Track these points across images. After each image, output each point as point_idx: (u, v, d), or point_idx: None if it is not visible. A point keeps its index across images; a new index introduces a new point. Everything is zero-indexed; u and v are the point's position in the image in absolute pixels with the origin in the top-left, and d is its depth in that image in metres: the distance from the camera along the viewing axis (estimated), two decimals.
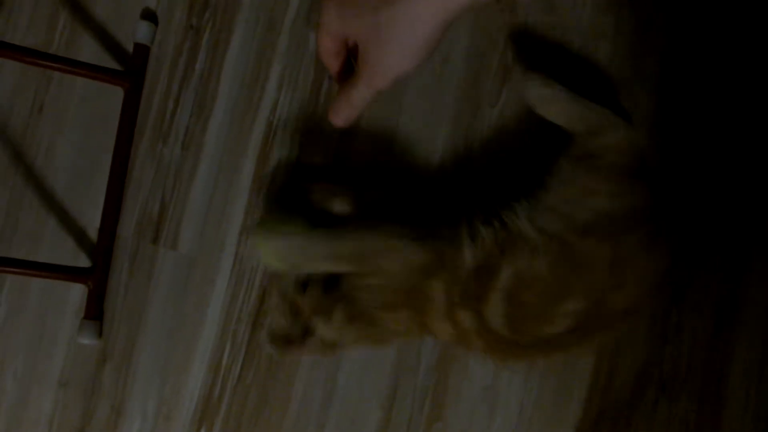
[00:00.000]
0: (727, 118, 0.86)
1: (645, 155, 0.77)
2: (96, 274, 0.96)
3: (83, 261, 0.99)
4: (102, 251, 0.96)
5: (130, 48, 0.99)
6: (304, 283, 0.80)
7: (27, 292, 1.00)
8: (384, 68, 0.63)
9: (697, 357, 0.85)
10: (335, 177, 0.93)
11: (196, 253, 0.96)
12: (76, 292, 0.99)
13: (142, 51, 0.98)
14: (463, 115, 0.91)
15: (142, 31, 0.97)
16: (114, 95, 0.98)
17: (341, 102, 0.70)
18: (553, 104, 0.78)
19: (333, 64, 0.72)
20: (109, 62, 1.01)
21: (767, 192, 0.84)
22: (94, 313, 0.96)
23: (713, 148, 0.86)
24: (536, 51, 0.89)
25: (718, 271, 0.85)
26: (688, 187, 0.86)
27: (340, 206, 0.84)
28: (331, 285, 0.80)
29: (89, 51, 1.02)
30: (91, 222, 1.00)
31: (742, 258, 0.85)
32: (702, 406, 0.85)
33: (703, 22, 0.86)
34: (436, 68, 0.91)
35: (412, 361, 0.90)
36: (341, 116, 0.72)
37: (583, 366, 0.87)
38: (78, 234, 1.00)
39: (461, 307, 0.73)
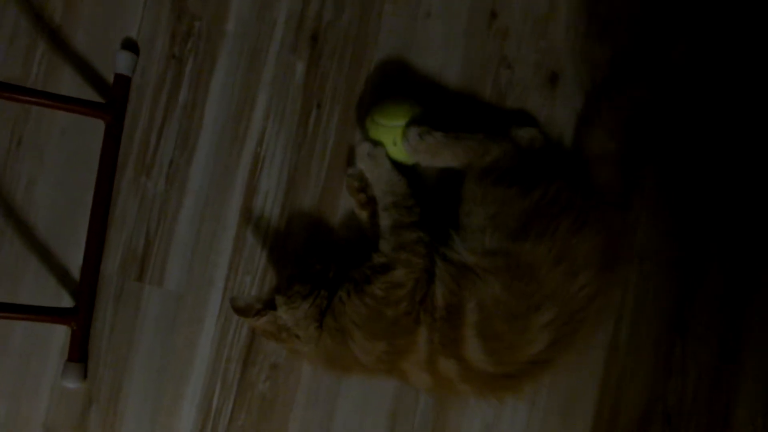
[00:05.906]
0: (729, 153, 0.84)
1: (538, 147, 0.82)
2: (79, 315, 0.92)
3: (66, 301, 0.96)
4: (85, 290, 0.93)
5: (110, 78, 0.96)
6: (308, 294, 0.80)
7: (9, 334, 0.97)
8: None
9: (702, 389, 0.83)
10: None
11: (184, 289, 0.93)
12: (60, 334, 0.95)
13: (124, 82, 0.95)
14: None
15: (123, 62, 0.94)
16: (95, 127, 0.95)
17: None
18: (438, 151, 0.80)
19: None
20: (89, 94, 0.97)
21: None
22: (78, 355, 0.92)
23: (719, 180, 0.84)
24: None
25: (721, 303, 0.83)
26: (690, 219, 0.83)
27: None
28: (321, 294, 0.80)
29: (69, 82, 0.98)
30: (74, 260, 0.96)
31: (743, 289, 0.82)
32: None
33: (700, 49, 0.84)
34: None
35: (409, 401, 0.87)
36: None
37: (586, 400, 0.84)
38: (60, 273, 0.97)
39: (442, 355, 0.73)
